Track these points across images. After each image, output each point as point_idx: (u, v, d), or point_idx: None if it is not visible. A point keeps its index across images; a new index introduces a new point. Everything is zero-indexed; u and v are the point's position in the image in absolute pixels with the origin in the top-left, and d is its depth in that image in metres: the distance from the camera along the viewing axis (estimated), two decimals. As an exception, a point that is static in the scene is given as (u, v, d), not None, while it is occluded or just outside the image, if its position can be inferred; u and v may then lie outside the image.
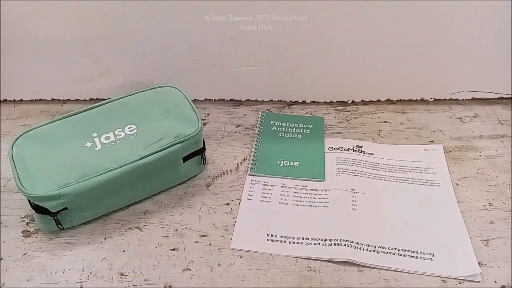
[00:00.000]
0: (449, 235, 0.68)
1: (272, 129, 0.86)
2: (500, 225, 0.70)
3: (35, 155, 0.68)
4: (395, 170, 0.78)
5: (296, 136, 0.85)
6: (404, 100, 0.92)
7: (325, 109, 0.91)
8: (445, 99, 0.91)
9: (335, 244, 0.67)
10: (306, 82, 0.89)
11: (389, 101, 0.92)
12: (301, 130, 0.86)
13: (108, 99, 0.78)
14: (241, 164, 0.80)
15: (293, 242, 0.68)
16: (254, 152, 0.81)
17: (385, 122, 0.88)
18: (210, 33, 0.81)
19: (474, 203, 0.73)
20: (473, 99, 0.91)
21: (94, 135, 0.71)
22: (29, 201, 0.66)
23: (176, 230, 0.70)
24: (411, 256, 0.66)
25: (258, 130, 0.86)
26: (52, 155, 0.69)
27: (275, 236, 0.69)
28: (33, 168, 0.67)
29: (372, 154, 0.81)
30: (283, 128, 0.86)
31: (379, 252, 0.66)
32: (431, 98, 0.91)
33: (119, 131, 0.72)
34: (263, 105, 0.92)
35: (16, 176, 0.65)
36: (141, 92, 0.79)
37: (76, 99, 0.92)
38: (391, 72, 0.87)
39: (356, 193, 0.74)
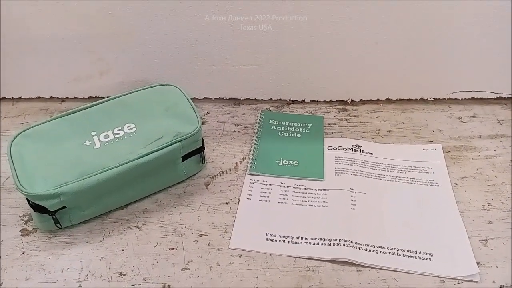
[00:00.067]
0: (448, 235, 0.68)
1: (272, 128, 0.86)
2: (499, 225, 0.70)
3: (34, 153, 0.68)
4: (394, 169, 0.78)
5: (295, 135, 0.84)
6: (403, 99, 0.92)
7: (325, 108, 0.91)
8: (445, 99, 0.91)
9: (334, 243, 0.67)
10: (305, 81, 0.89)
11: (388, 101, 0.92)
12: (301, 129, 0.86)
13: (107, 97, 0.78)
14: (240, 163, 0.80)
15: (292, 242, 0.68)
16: (253, 151, 0.81)
17: (384, 121, 0.88)
18: (210, 32, 0.81)
19: (473, 203, 0.73)
20: (473, 98, 0.91)
21: (93, 133, 0.71)
22: (28, 200, 0.66)
23: (175, 229, 0.70)
24: (410, 256, 0.66)
25: (258, 129, 0.85)
26: (51, 153, 0.68)
27: (274, 235, 0.69)
28: (31, 166, 0.66)
29: (371, 153, 0.81)
30: (283, 127, 0.86)
31: (378, 252, 0.66)
32: (430, 98, 0.91)
33: (118, 130, 0.72)
34: (263, 104, 0.92)
35: (15, 174, 0.65)
36: (140, 90, 0.79)
37: (75, 97, 0.92)
38: (391, 72, 0.87)
39: (355, 192, 0.74)
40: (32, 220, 0.70)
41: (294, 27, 0.80)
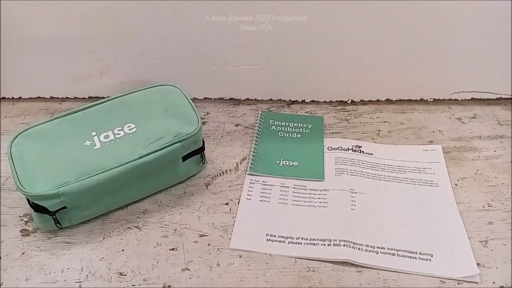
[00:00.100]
0: (448, 235, 0.68)
1: (272, 128, 0.86)
2: (499, 226, 0.70)
3: (34, 153, 0.68)
4: (394, 170, 0.78)
5: (295, 136, 0.84)
6: (403, 100, 0.92)
7: (325, 109, 0.91)
8: (445, 99, 0.91)
9: (334, 244, 0.67)
10: (305, 81, 0.89)
11: (388, 101, 0.92)
12: (301, 129, 0.86)
13: (107, 97, 0.78)
14: (240, 164, 0.80)
15: (292, 242, 0.68)
16: (254, 152, 0.81)
17: (384, 122, 0.88)
18: (210, 32, 0.81)
19: (473, 203, 0.73)
20: (473, 99, 0.91)
21: (93, 133, 0.71)
22: (28, 200, 0.66)
23: (175, 229, 0.70)
24: (410, 257, 0.66)
25: (258, 130, 0.85)
26: (51, 153, 0.68)
27: (274, 236, 0.69)
28: (32, 166, 0.66)
29: (371, 154, 0.81)
30: (283, 128, 0.86)
31: (378, 253, 0.66)
32: (430, 98, 0.91)
33: (118, 130, 0.72)
34: (263, 104, 0.92)
35: (15, 174, 0.65)
36: (140, 90, 0.79)
37: (75, 97, 0.92)
38: (391, 72, 0.87)
39: (355, 193, 0.74)
40: (32, 220, 0.70)
41: (294, 27, 0.80)
